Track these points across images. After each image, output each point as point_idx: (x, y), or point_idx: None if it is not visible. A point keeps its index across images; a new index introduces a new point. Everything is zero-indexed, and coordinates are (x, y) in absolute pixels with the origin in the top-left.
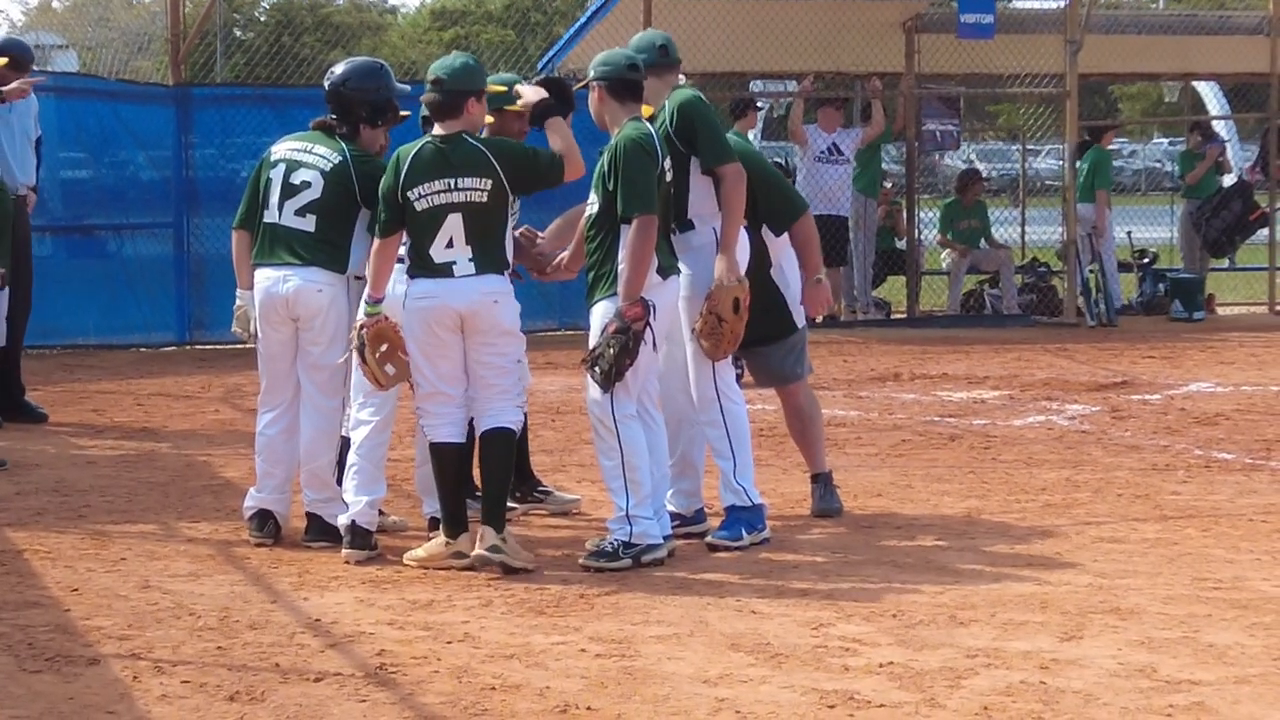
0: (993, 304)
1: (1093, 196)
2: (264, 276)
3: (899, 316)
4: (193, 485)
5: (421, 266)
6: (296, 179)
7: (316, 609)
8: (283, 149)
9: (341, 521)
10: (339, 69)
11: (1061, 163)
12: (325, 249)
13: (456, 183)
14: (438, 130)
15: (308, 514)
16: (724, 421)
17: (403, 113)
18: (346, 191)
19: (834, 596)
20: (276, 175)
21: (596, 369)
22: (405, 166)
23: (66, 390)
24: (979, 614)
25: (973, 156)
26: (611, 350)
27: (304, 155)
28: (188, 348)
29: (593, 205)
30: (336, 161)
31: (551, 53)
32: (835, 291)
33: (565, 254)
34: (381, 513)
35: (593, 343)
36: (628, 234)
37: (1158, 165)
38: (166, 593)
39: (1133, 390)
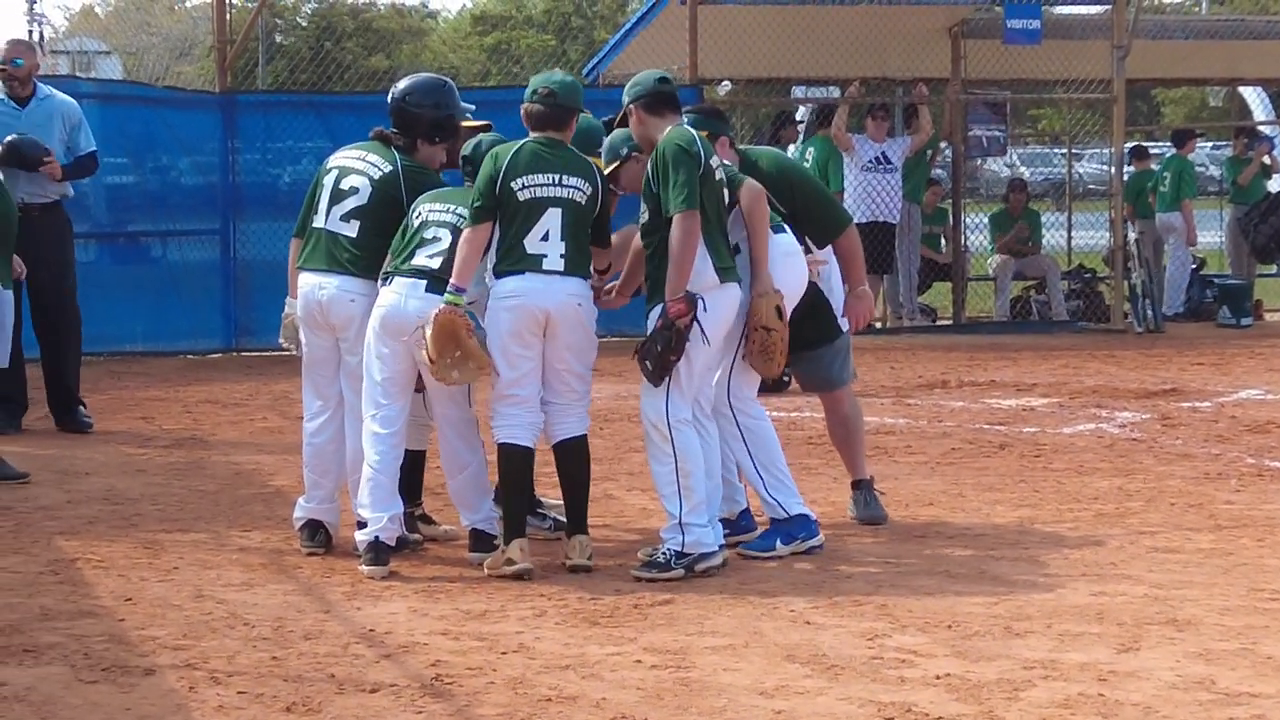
0: (1040, 310)
1: (1178, 206)
2: (305, 281)
3: (945, 323)
4: (243, 493)
5: (512, 260)
6: (345, 185)
7: (370, 619)
8: (339, 157)
9: (361, 538)
10: (403, 83)
11: (1106, 167)
12: (365, 256)
13: (561, 179)
14: (538, 135)
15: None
16: (743, 438)
17: (481, 122)
18: (393, 201)
19: (888, 607)
20: (329, 181)
21: (646, 364)
22: (506, 160)
23: (114, 397)
24: (1035, 625)
25: (1016, 161)
26: (657, 346)
27: (356, 163)
28: (234, 354)
29: (643, 214)
30: (387, 170)
31: (595, 60)
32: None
33: (617, 282)
34: (433, 521)
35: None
36: (671, 231)
37: (1201, 169)
38: (220, 602)
39: (1182, 397)
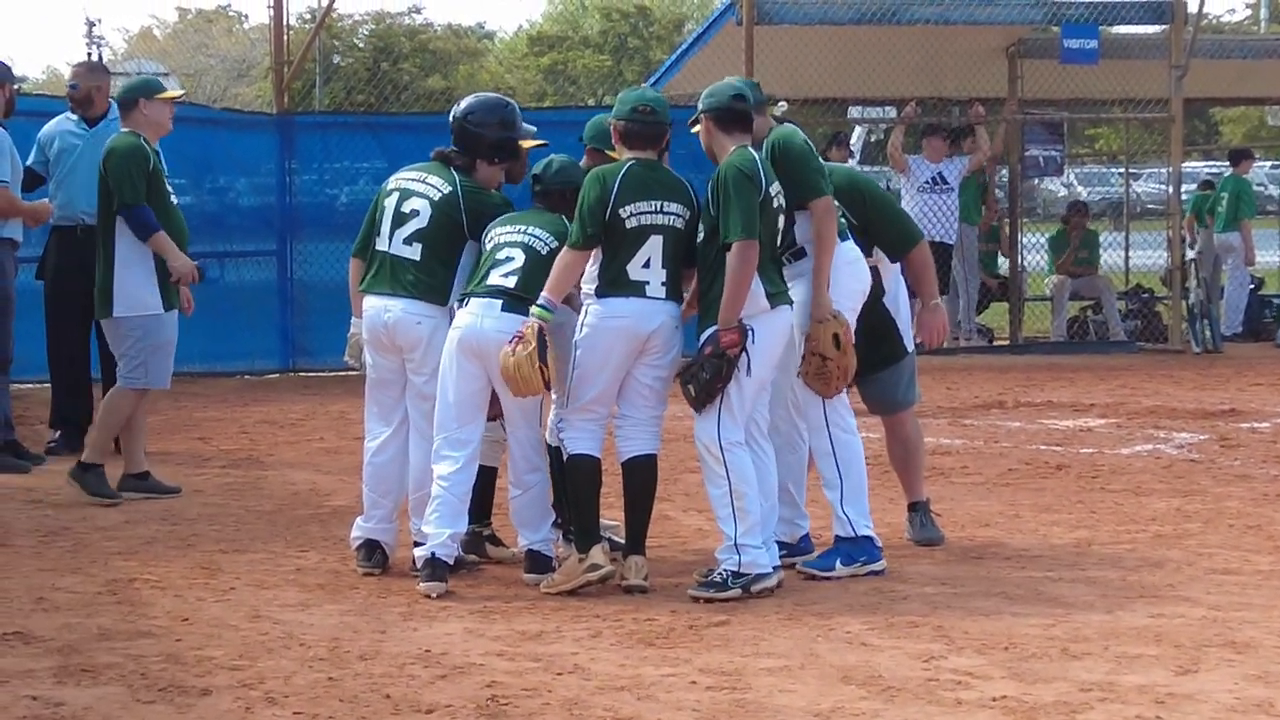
0: (1097, 330)
1: (1237, 225)
2: (369, 305)
3: (1002, 343)
4: (300, 514)
5: (615, 285)
6: (407, 208)
7: (426, 639)
8: (399, 178)
9: (419, 554)
10: (465, 102)
11: (1164, 187)
12: (428, 279)
13: (663, 206)
14: (634, 154)
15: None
16: (833, 450)
17: (539, 142)
18: (453, 222)
19: (944, 628)
20: (390, 204)
21: (690, 388)
22: (615, 184)
23: (172, 418)
24: (1092, 647)
25: (1073, 180)
26: (705, 374)
27: (417, 185)
28: (291, 374)
29: (700, 234)
30: (446, 191)
31: (651, 80)
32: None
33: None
34: (500, 543)
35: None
36: (729, 259)
37: (1260, 188)
38: (277, 622)
39: (1240, 418)
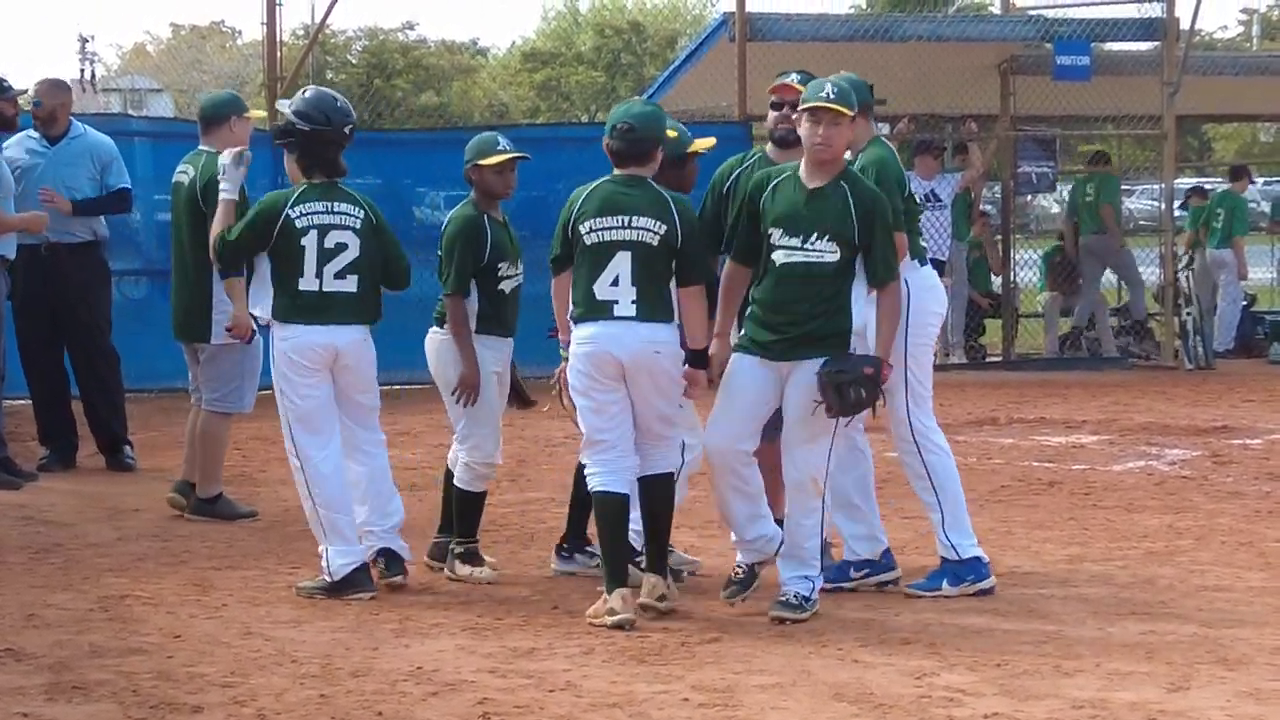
0: (1089, 346)
1: (1230, 242)
2: (311, 335)
3: (995, 359)
4: (292, 530)
5: (582, 307)
6: (331, 242)
7: (418, 656)
8: (310, 215)
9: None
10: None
11: (1156, 203)
12: (371, 304)
13: (631, 220)
14: (618, 172)
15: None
16: (926, 472)
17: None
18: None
19: (936, 645)
20: (309, 241)
21: (840, 397)
22: (578, 203)
23: (165, 434)
24: (1084, 664)
25: (1065, 196)
26: (862, 393)
27: (330, 217)
28: None
29: (828, 254)
30: (363, 217)
31: (645, 96)
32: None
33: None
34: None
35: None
36: (882, 297)
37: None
38: (268, 639)
39: (1233, 434)
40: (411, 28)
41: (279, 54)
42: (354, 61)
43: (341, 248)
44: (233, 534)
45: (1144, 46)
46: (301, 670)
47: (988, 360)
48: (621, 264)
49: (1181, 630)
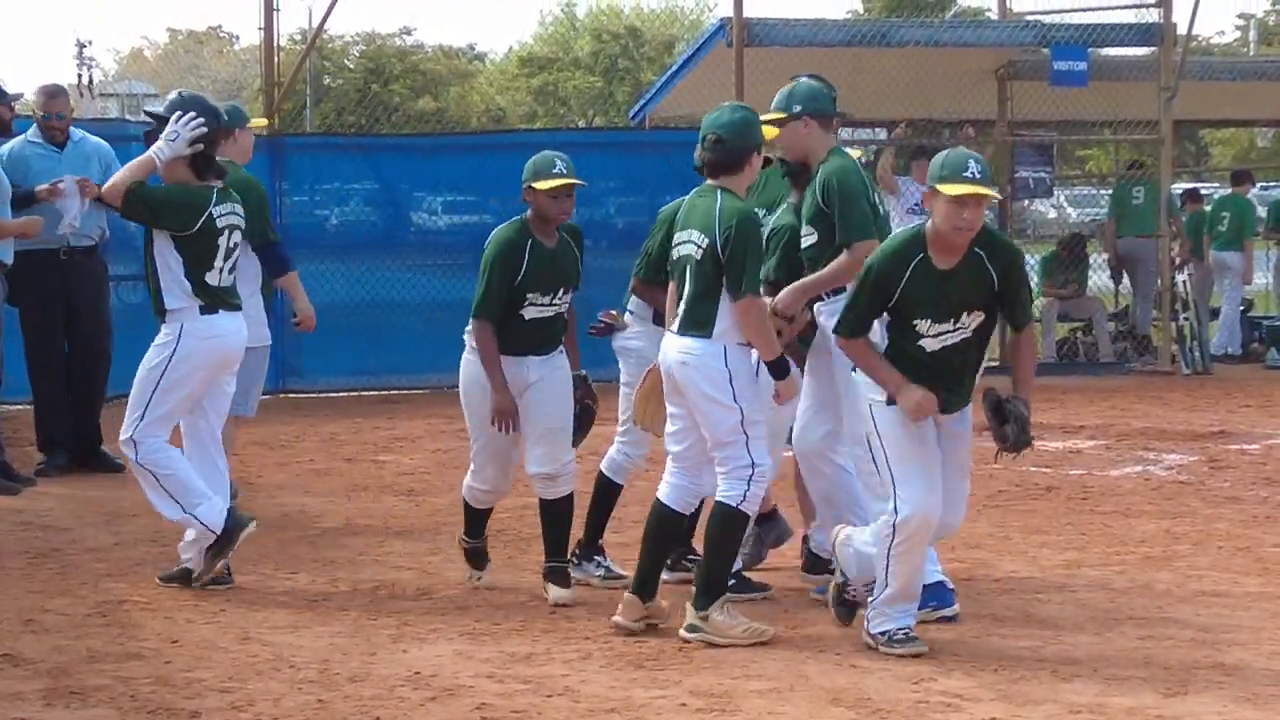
0: (1086, 352)
1: (1239, 245)
2: (231, 328)
3: (991, 364)
4: (289, 535)
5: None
6: (232, 242)
7: (416, 661)
8: (223, 216)
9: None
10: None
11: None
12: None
13: (690, 235)
14: (708, 183)
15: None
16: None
17: None
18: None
19: (934, 650)
20: (223, 241)
21: (1013, 439)
22: (670, 220)
23: None
24: (1081, 669)
25: (1063, 202)
26: (1021, 435)
27: (235, 218)
28: (281, 396)
29: (968, 327)
30: (243, 213)
31: (642, 102)
32: None
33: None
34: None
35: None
36: (1024, 338)
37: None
38: (266, 644)
39: (1230, 439)
40: (409, 33)
41: (276, 59)
42: (351, 66)
43: (236, 245)
44: None
45: (1141, 52)
46: (299, 675)
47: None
48: (685, 277)
49: (1179, 635)
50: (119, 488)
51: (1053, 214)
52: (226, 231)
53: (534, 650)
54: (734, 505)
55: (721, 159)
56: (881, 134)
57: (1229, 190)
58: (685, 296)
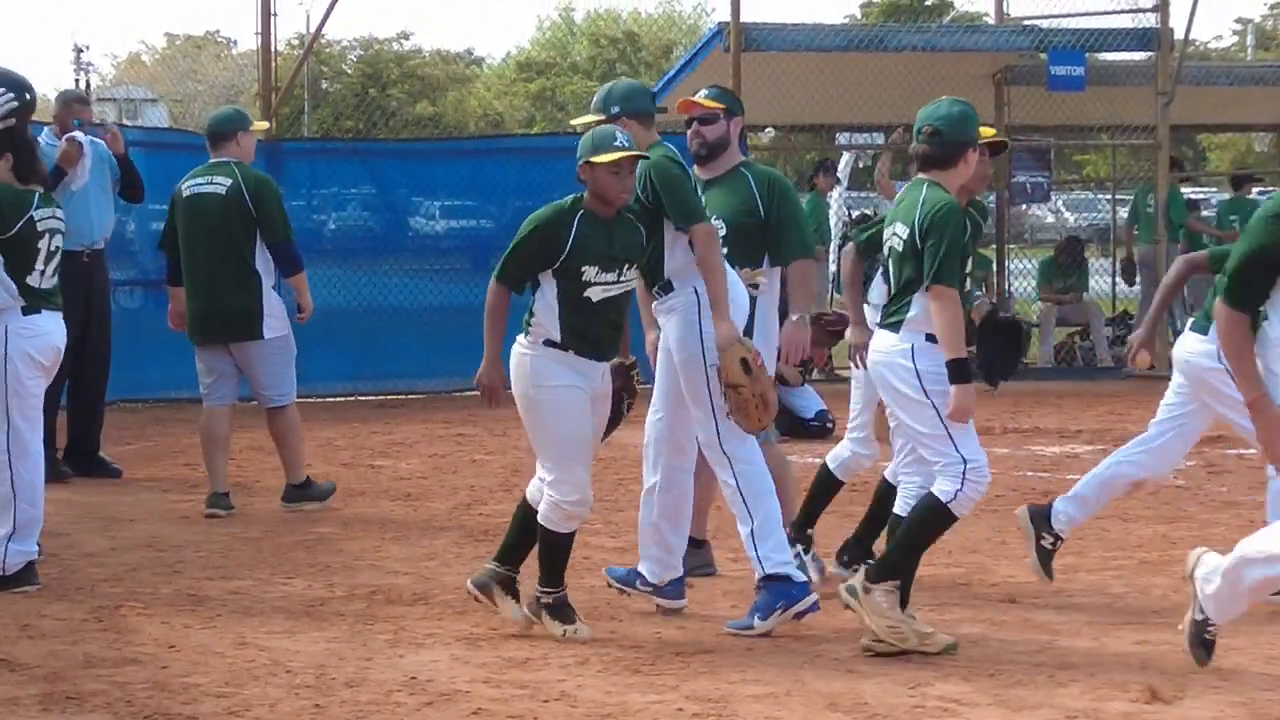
0: (1084, 356)
1: None
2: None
3: None
4: (286, 540)
5: None
6: (54, 245)
7: (412, 666)
8: (44, 220)
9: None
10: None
11: (1151, 211)
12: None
13: (895, 229)
14: (920, 176)
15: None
16: (737, 484)
17: None
18: None
19: (931, 655)
20: (43, 245)
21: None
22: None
23: (160, 444)
24: (1078, 674)
25: (1061, 207)
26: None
27: (55, 222)
28: None
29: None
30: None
31: None
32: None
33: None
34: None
35: None
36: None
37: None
38: (262, 649)
39: (1228, 444)
40: (406, 37)
41: (274, 64)
42: (349, 71)
43: (58, 249)
44: (227, 544)
45: (1138, 57)
46: (295, 680)
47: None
48: (890, 271)
49: (1175, 640)
50: (116, 493)
51: (1050, 219)
52: (47, 235)
53: (530, 655)
54: (944, 502)
55: (936, 152)
56: (879, 139)
57: (1228, 195)
58: (889, 291)
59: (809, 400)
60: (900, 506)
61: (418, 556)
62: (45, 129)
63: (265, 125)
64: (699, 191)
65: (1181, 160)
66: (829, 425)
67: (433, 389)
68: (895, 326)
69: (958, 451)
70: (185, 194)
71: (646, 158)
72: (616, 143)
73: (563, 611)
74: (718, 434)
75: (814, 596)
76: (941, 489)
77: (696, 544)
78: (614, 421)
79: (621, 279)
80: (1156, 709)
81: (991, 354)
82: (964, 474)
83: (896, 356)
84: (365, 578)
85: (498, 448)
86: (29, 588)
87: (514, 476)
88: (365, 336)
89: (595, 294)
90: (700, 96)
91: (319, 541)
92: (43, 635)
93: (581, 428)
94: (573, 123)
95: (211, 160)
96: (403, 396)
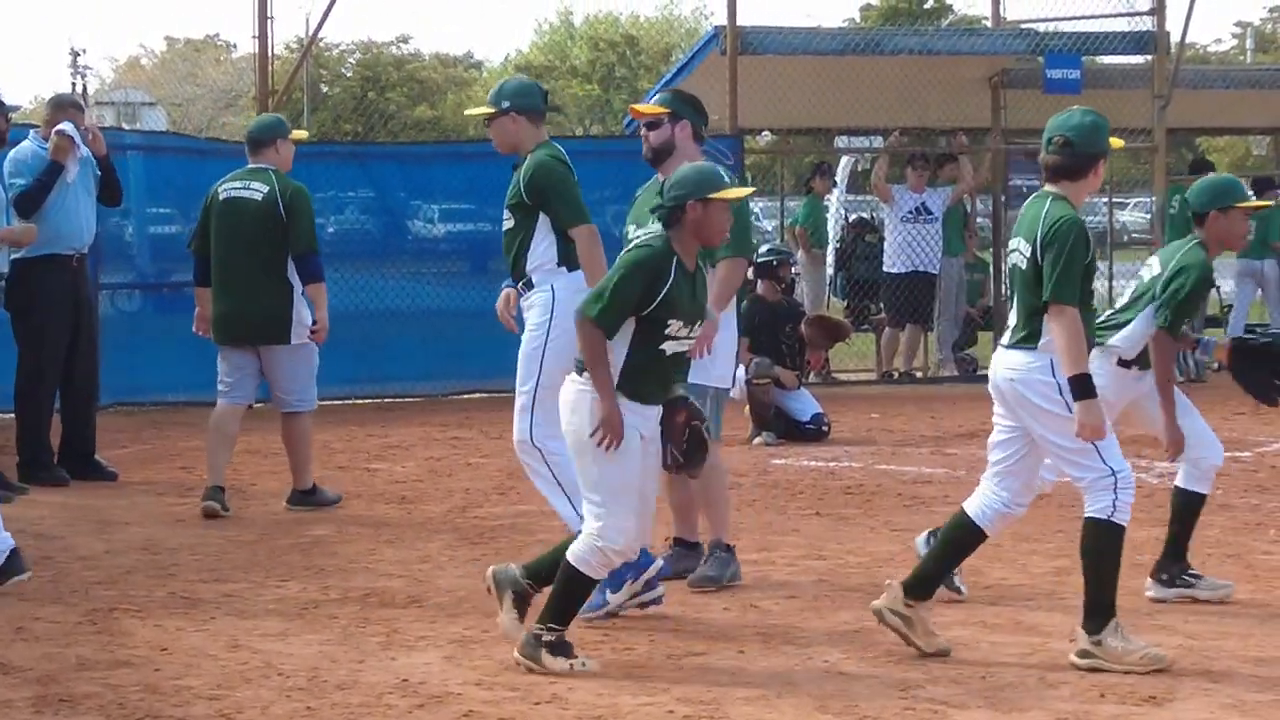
0: None
1: (1260, 252)
2: None
3: (985, 372)
4: (281, 543)
5: None
6: None
7: (404, 669)
8: None
9: None
10: None
11: (1148, 216)
12: None
13: (1017, 244)
14: (1048, 188)
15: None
16: (550, 471)
17: None
18: None
19: (921, 658)
20: None
21: None
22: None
23: (156, 447)
24: (1068, 676)
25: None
26: None
27: None
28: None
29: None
30: None
31: None
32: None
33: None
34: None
35: None
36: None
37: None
38: (255, 652)
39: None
40: (406, 41)
41: (270, 68)
42: (348, 74)
43: None
44: (221, 547)
45: (1135, 60)
46: (288, 683)
47: (978, 373)
48: (1013, 288)
49: (1167, 642)
50: (111, 496)
51: None
52: None
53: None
54: (1105, 518)
55: (1067, 163)
56: (878, 142)
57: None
58: (1014, 308)
59: (805, 404)
60: (974, 508)
61: (412, 559)
62: (32, 131)
63: (304, 134)
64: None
65: (1210, 164)
66: (824, 429)
67: (430, 392)
68: (1024, 345)
69: (1105, 464)
70: (221, 197)
71: (754, 193)
72: (728, 180)
73: (565, 647)
74: (531, 426)
75: (660, 562)
76: (1098, 506)
77: (689, 546)
78: (698, 453)
79: (692, 334)
80: (1148, 711)
81: (1260, 381)
82: (1115, 485)
83: (1035, 373)
84: (359, 580)
85: (493, 451)
86: (20, 577)
87: (509, 480)
88: (363, 339)
89: (670, 347)
90: (652, 101)
91: (314, 544)
92: (36, 638)
93: (634, 473)
94: (467, 113)
95: (250, 165)
96: (399, 400)
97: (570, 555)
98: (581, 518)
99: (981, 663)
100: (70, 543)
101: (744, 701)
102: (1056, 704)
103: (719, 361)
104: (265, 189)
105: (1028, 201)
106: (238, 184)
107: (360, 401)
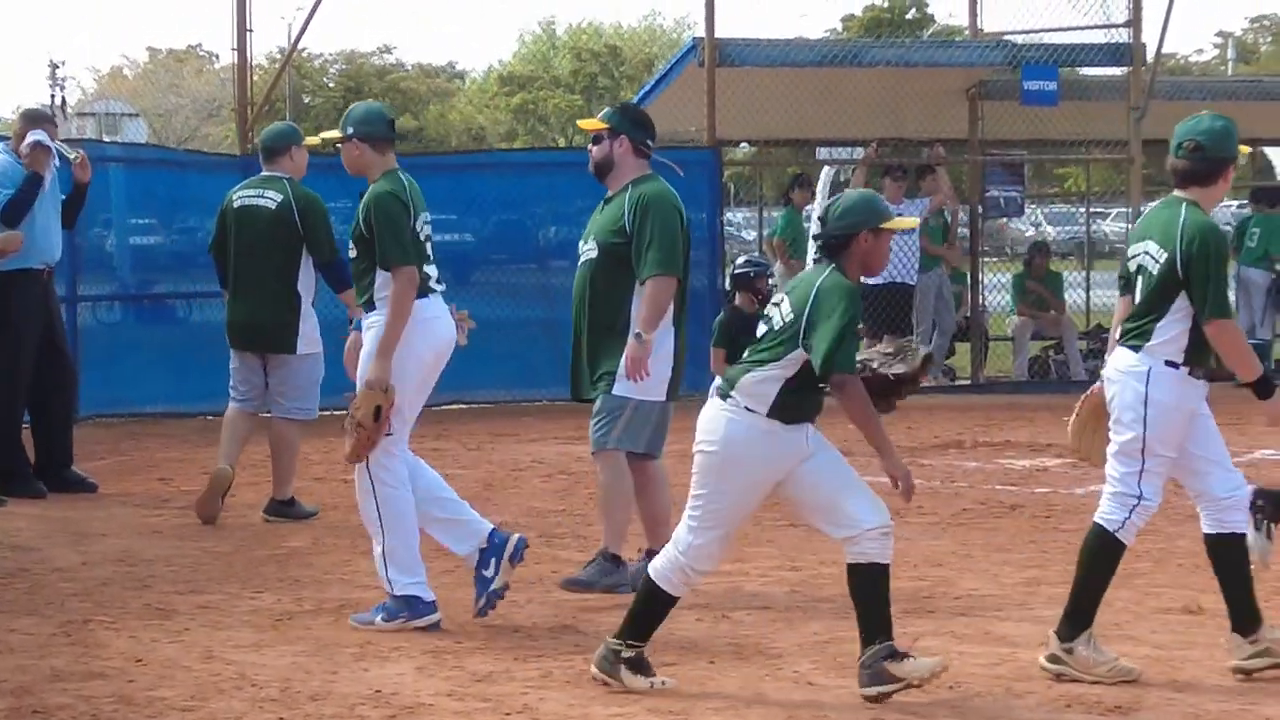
0: (1058, 370)
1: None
2: None
3: (963, 382)
4: (257, 555)
5: None
6: None
7: (377, 680)
8: None
9: None
10: None
11: (1129, 226)
12: None
13: (1146, 246)
14: (1176, 193)
15: None
16: (376, 505)
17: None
18: None
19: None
20: None
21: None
22: (1137, 223)
23: (134, 459)
24: (1036, 686)
25: (1041, 220)
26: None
27: None
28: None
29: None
30: None
31: None
32: None
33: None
34: None
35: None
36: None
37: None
38: (229, 663)
39: None
40: (388, 51)
41: (249, 79)
42: (330, 85)
43: None
44: (197, 558)
45: (1112, 71)
46: (261, 694)
47: (956, 383)
48: (1136, 289)
49: (1135, 653)
50: (88, 508)
51: (1030, 232)
52: None
53: (495, 669)
54: (1111, 531)
55: (1197, 168)
56: (858, 153)
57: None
58: (1134, 309)
59: None
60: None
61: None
62: (2, 144)
63: (317, 140)
64: None
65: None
66: None
67: None
68: (1135, 345)
69: (1139, 486)
70: (235, 204)
71: (919, 221)
72: (895, 210)
73: (644, 665)
74: (367, 464)
75: (437, 615)
76: (1109, 516)
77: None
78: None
79: None
80: None
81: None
82: (1134, 508)
83: (1132, 379)
84: (334, 592)
85: (470, 462)
86: None
87: (486, 491)
88: (342, 350)
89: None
90: (599, 117)
91: (289, 556)
92: (10, 650)
93: (749, 506)
94: (322, 136)
95: (264, 174)
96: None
97: (652, 571)
98: (390, 581)
99: (949, 673)
100: (46, 554)
101: (713, 712)
102: (1023, 714)
103: (651, 376)
104: (279, 198)
105: (1155, 205)
106: (252, 192)
107: (338, 413)
